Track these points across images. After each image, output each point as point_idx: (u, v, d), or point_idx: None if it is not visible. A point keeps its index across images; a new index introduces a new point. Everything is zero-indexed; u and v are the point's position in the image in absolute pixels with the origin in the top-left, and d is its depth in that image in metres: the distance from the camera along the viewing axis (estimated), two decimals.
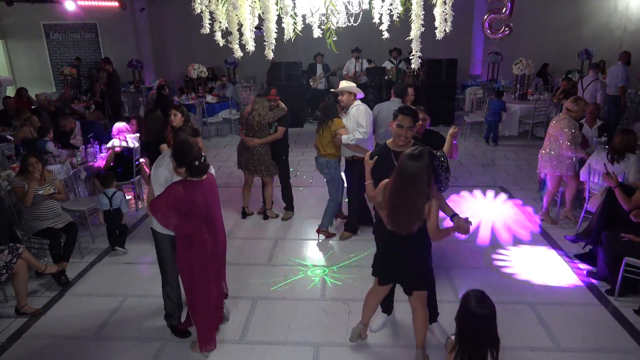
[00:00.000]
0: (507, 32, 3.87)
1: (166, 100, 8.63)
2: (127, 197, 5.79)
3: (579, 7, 13.09)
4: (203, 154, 3.18)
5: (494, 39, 3.91)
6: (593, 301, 4.04)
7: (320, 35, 3.12)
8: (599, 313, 3.88)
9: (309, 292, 4.26)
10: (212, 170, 3.43)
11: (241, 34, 3.15)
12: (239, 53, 3.27)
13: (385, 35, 3.10)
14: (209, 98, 10.78)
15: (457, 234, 3.14)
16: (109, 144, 6.10)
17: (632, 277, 3.89)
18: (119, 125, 6.24)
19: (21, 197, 4.45)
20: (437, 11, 3.09)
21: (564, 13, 13.03)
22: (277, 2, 2.90)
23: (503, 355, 2.35)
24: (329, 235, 5.28)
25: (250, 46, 3.16)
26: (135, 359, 3.46)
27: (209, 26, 3.22)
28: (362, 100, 5.01)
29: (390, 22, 3.09)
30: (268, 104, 5.40)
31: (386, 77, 11.09)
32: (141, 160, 6.33)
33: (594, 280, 4.30)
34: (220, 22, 3.19)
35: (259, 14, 3.04)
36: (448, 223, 3.21)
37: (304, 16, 3.14)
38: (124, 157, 6.07)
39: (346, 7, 3.18)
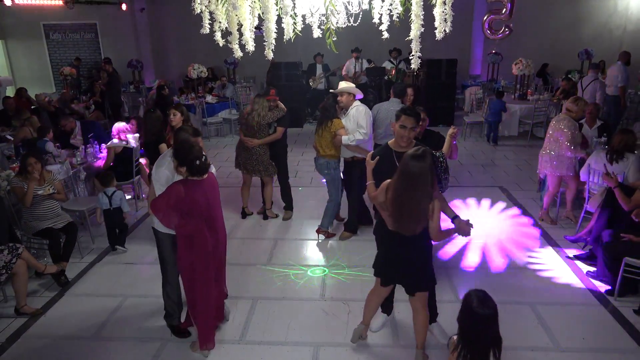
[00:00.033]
0: (507, 32, 3.88)
1: (166, 101, 8.63)
2: (127, 197, 5.78)
3: (578, 7, 13.09)
4: (204, 153, 3.19)
5: (493, 40, 3.91)
6: (593, 301, 4.04)
7: (320, 36, 3.12)
8: (599, 313, 3.88)
9: (309, 292, 4.26)
10: (213, 169, 3.44)
11: (241, 34, 3.15)
12: (238, 53, 3.27)
13: (385, 35, 3.11)
14: (209, 98, 10.78)
15: (458, 236, 3.13)
16: (109, 144, 6.10)
17: (632, 277, 3.89)
18: (119, 125, 6.24)
19: (20, 197, 4.45)
20: (437, 11, 3.09)
21: (563, 13, 13.04)
22: (277, 2, 2.90)
23: (503, 355, 2.35)
24: (329, 236, 5.28)
25: (250, 46, 3.16)
26: (135, 359, 3.46)
27: (209, 26, 3.22)
28: (361, 100, 5.01)
29: (390, 22, 3.09)
30: (267, 105, 5.40)
31: (386, 77, 11.10)
32: (141, 160, 6.33)
33: (593, 281, 4.30)
34: (220, 22, 3.19)
35: (259, 14, 3.04)
36: (449, 224, 3.21)
37: (303, 16, 3.14)
38: (123, 157, 6.07)
39: (346, 7, 3.18)
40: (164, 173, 3.34)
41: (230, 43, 3.23)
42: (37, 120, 7.03)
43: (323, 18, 3.13)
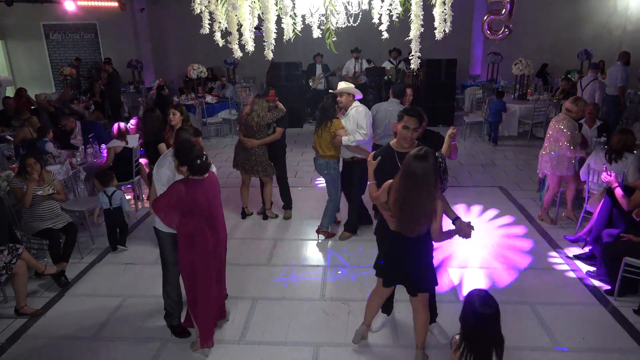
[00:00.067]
0: (506, 33, 3.87)
1: (166, 101, 8.63)
2: (127, 197, 5.79)
3: (578, 7, 13.10)
4: (204, 153, 3.20)
5: (493, 40, 3.91)
6: (592, 301, 4.04)
7: (320, 36, 3.12)
8: (599, 313, 3.88)
9: (309, 292, 4.26)
10: (213, 168, 3.46)
11: (241, 34, 3.15)
12: (238, 53, 3.27)
13: (385, 35, 3.10)
14: (209, 98, 10.78)
15: (459, 237, 3.13)
16: (109, 144, 6.10)
17: (632, 277, 3.89)
18: (121, 124, 6.24)
19: (20, 198, 4.45)
20: (437, 11, 3.08)
21: (563, 13, 13.04)
22: (276, 2, 2.90)
23: (503, 355, 2.36)
24: (329, 236, 5.29)
25: (250, 46, 3.16)
26: (135, 359, 3.46)
27: (209, 26, 3.22)
28: (361, 100, 5.01)
29: (389, 22, 3.09)
30: (267, 105, 5.40)
31: (386, 78, 11.10)
32: (141, 160, 6.33)
33: (593, 280, 4.30)
34: (219, 23, 3.19)
35: (259, 14, 3.04)
36: (449, 225, 3.20)
37: (303, 16, 3.14)
38: (123, 157, 6.07)
39: (345, 8, 3.18)
40: (165, 173, 3.36)
41: (230, 43, 3.23)
42: (37, 121, 7.03)
43: (323, 18, 3.13)
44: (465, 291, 4.16)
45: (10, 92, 11.73)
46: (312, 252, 5.03)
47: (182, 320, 3.69)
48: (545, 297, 4.09)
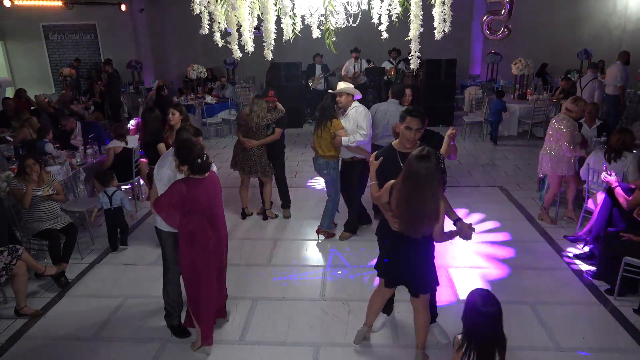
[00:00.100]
0: (506, 33, 3.87)
1: (165, 101, 8.62)
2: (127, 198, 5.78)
3: (578, 7, 13.10)
4: (205, 152, 3.21)
5: (493, 40, 3.91)
6: (592, 301, 4.04)
7: (320, 36, 3.12)
8: (599, 312, 3.88)
9: (309, 292, 4.26)
10: (214, 168, 3.48)
11: (240, 35, 3.16)
12: (238, 54, 3.27)
13: (384, 35, 3.11)
14: (209, 99, 10.79)
15: (460, 239, 3.12)
16: (109, 144, 6.11)
17: (632, 276, 3.89)
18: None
19: (19, 198, 4.45)
20: (436, 11, 3.08)
21: (563, 13, 13.05)
22: (276, 2, 2.90)
23: None
24: (329, 236, 5.28)
25: (250, 47, 3.16)
26: (135, 359, 3.46)
27: (208, 27, 3.22)
28: (360, 100, 5.01)
29: (389, 22, 3.10)
30: (266, 106, 5.40)
31: (385, 78, 11.10)
32: (142, 160, 6.33)
33: (593, 280, 4.30)
34: (219, 23, 3.19)
35: (258, 15, 3.05)
36: (450, 226, 3.20)
37: (303, 17, 3.14)
38: (123, 157, 6.07)
39: (345, 8, 3.18)
40: (166, 172, 3.39)
41: (230, 44, 3.24)
42: (37, 121, 7.04)
43: (322, 18, 3.13)
44: (465, 291, 4.16)
45: (9, 92, 11.74)
46: (312, 252, 5.03)
47: (182, 320, 3.69)
48: (545, 297, 4.09)
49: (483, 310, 2.29)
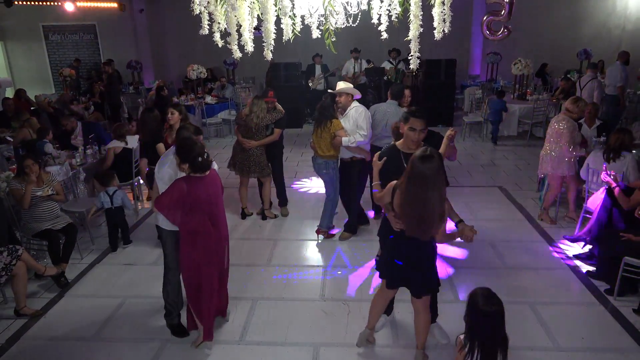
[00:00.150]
0: (506, 33, 3.87)
1: (165, 101, 8.63)
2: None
3: (577, 7, 13.11)
4: (206, 151, 3.23)
5: (492, 40, 3.91)
6: (592, 301, 4.04)
7: (319, 36, 3.13)
8: (598, 313, 3.88)
9: (309, 292, 4.26)
10: (215, 166, 3.50)
11: (240, 35, 3.16)
12: (237, 54, 3.28)
13: (384, 35, 3.11)
14: (208, 99, 10.79)
15: (461, 240, 3.12)
16: (109, 145, 6.11)
17: (631, 276, 3.90)
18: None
19: (18, 199, 4.45)
20: (436, 11, 3.09)
21: (562, 13, 13.05)
22: (275, 2, 2.90)
23: None
24: (328, 236, 5.28)
25: (249, 47, 3.17)
26: (135, 359, 3.46)
27: (208, 27, 3.23)
28: (360, 100, 5.01)
29: (389, 22, 3.10)
30: (266, 106, 5.40)
31: (385, 78, 11.10)
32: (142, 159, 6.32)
33: (593, 280, 4.30)
34: (219, 23, 3.19)
35: (258, 15, 3.05)
36: (451, 227, 3.20)
37: (302, 17, 3.14)
38: (123, 157, 6.07)
39: (345, 8, 3.19)
40: (167, 171, 3.41)
41: (230, 44, 3.24)
42: (37, 122, 7.04)
43: (322, 19, 3.13)
44: (464, 291, 4.17)
45: (9, 93, 11.74)
46: (312, 252, 5.04)
47: (182, 320, 3.70)
48: (545, 297, 4.09)
49: (486, 309, 2.28)
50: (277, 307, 4.04)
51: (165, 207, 3.20)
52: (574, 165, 5.27)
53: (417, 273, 3.04)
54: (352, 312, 3.91)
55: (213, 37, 3.29)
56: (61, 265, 4.45)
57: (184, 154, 3.17)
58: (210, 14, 3.16)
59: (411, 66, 3.11)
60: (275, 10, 2.92)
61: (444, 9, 3.07)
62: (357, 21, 3.26)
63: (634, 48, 10.68)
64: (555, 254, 4.83)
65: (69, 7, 11.48)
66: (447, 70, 10.71)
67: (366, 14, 3.24)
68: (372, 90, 10.57)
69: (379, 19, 3.12)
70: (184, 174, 3.25)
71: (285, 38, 3.20)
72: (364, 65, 10.99)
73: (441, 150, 3.84)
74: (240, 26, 3.09)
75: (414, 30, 3.01)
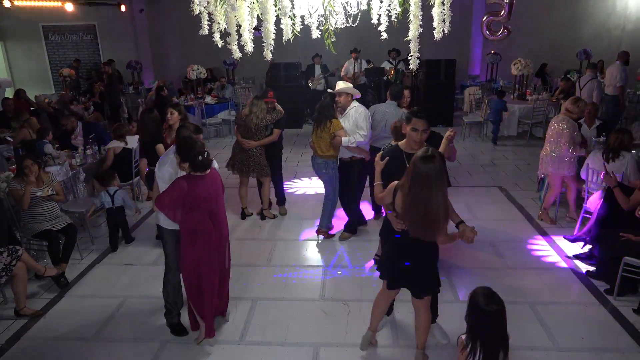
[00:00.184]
0: (505, 33, 3.88)
1: (164, 101, 8.63)
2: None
3: (577, 7, 13.12)
4: (206, 149, 3.24)
5: (492, 40, 3.92)
6: (592, 301, 4.04)
7: (319, 36, 3.13)
8: (598, 312, 3.88)
9: (309, 292, 4.26)
10: (215, 165, 3.51)
11: (240, 35, 3.16)
12: (237, 54, 3.28)
13: (384, 35, 3.11)
14: (208, 99, 10.79)
15: (462, 241, 3.12)
16: (109, 145, 6.11)
17: (631, 276, 3.90)
18: None
19: (18, 199, 4.45)
20: (436, 12, 3.09)
21: (562, 13, 13.06)
22: (275, 3, 2.90)
23: None
24: (328, 236, 5.29)
25: (249, 47, 3.17)
26: (135, 359, 3.46)
27: (208, 27, 3.23)
28: (360, 100, 5.01)
29: (388, 22, 3.10)
30: (265, 107, 5.40)
31: (385, 78, 11.11)
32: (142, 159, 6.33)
33: (593, 280, 4.30)
34: (218, 23, 3.20)
35: (258, 15, 3.05)
36: (452, 229, 3.20)
37: (302, 17, 3.15)
38: (123, 158, 6.07)
39: (344, 8, 3.19)
40: (168, 170, 3.42)
41: (229, 44, 3.24)
42: (37, 122, 7.04)
43: (322, 19, 3.13)
44: (464, 291, 4.17)
45: (9, 93, 11.74)
46: (312, 253, 5.04)
47: (182, 319, 3.71)
48: (544, 297, 4.09)
49: (487, 309, 2.28)
50: (277, 307, 4.04)
51: (166, 206, 3.21)
52: (574, 166, 5.28)
53: (419, 274, 3.03)
54: (352, 312, 3.91)
55: (213, 37, 3.30)
56: (61, 265, 4.45)
57: (184, 153, 3.18)
58: (210, 14, 3.16)
59: (411, 66, 3.12)
60: (275, 11, 2.92)
61: (443, 9, 3.07)
62: (357, 21, 3.26)
63: (634, 48, 10.69)
64: (555, 254, 4.83)
65: (69, 7, 11.47)
66: (446, 70, 10.71)
67: (366, 14, 3.24)
68: (372, 90, 10.58)
69: (378, 19, 3.12)
70: (184, 173, 3.26)
71: (285, 38, 3.20)
72: (364, 65, 11.00)
73: (440, 150, 3.84)
74: (240, 26, 3.09)
75: (414, 30, 3.01)
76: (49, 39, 14.17)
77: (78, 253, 4.94)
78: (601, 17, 13.14)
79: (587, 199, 5.08)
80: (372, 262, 4.67)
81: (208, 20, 3.20)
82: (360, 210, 5.47)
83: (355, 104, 4.90)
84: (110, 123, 9.79)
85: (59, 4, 12.19)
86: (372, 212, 5.78)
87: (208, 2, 3.06)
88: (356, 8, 3.21)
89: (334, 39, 3.12)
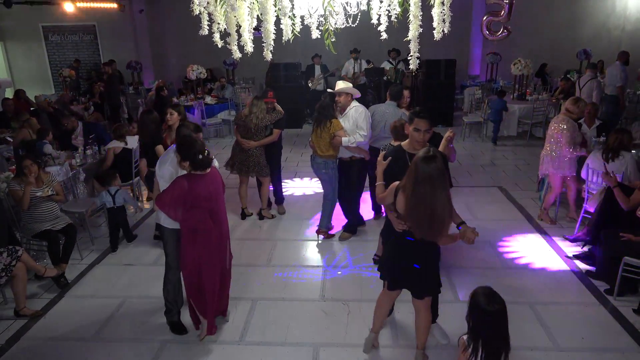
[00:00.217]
0: (505, 33, 3.88)
1: (164, 101, 8.63)
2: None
3: (577, 7, 13.12)
4: (206, 148, 3.25)
5: (492, 40, 3.92)
6: (592, 301, 4.04)
7: (319, 37, 3.13)
8: (598, 312, 3.88)
9: (309, 292, 4.26)
10: (216, 163, 3.51)
11: (240, 35, 3.16)
12: (237, 54, 3.28)
13: (384, 36, 3.11)
14: (208, 99, 10.79)
15: (462, 242, 3.12)
16: (109, 145, 6.11)
17: (631, 276, 3.90)
18: None
19: (18, 200, 4.45)
20: (436, 12, 3.09)
21: (562, 13, 13.06)
22: (275, 3, 2.90)
23: None
24: (328, 236, 5.28)
25: (249, 47, 3.17)
26: (135, 359, 3.46)
27: (208, 27, 3.23)
28: (360, 100, 5.01)
29: (388, 22, 3.10)
30: (265, 107, 5.40)
31: (385, 78, 11.11)
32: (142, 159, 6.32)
33: (593, 280, 4.30)
34: (218, 24, 3.20)
35: (257, 15, 3.05)
36: (453, 229, 3.20)
37: (302, 17, 3.15)
38: (123, 158, 6.07)
39: (344, 8, 3.19)
40: (168, 169, 3.43)
41: (229, 44, 3.24)
42: (36, 122, 7.04)
43: (321, 19, 3.13)
44: (464, 291, 4.17)
45: (9, 93, 11.74)
46: (312, 253, 5.04)
47: (182, 318, 3.72)
48: (544, 297, 4.09)
49: (488, 309, 2.28)
50: (277, 307, 4.04)
51: (167, 205, 3.22)
52: (574, 166, 5.28)
53: (420, 274, 3.03)
54: (352, 312, 3.91)
55: (213, 37, 3.30)
56: (61, 265, 4.45)
57: (185, 152, 3.19)
58: (210, 14, 3.16)
59: (411, 66, 3.12)
60: (275, 11, 2.92)
61: (443, 9, 3.07)
62: (357, 21, 3.26)
63: (634, 48, 10.69)
64: (555, 254, 4.83)
65: (69, 7, 11.47)
66: (446, 70, 10.71)
67: (366, 14, 3.24)
68: (372, 90, 10.58)
69: (378, 19, 3.12)
70: (184, 172, 3.26)
71: (284, 38, 3.20)
72: (364, 65, 11.00)
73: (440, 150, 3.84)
74: (240, 26, 3.09)
75: (414, 30, 3.01)
76: (49, 39, 14.17)
77: (78, 253, 4.94)
78: (601, 18, 13.14)
79: (587, 199, 5.08)
80: (371, 263, 4.67)
81: (208, 21, 3.20)
82: (359, 211, 5.46)
83: (355, 103, 4.90)
84: (110, 123, 9.80)
85: (59, 4, 12.17)
86: (372, 212, 5.78)
87: (208, 2, 3.06)
88: (356, 8, 3.21)
89: (333, 39, 3.12)
